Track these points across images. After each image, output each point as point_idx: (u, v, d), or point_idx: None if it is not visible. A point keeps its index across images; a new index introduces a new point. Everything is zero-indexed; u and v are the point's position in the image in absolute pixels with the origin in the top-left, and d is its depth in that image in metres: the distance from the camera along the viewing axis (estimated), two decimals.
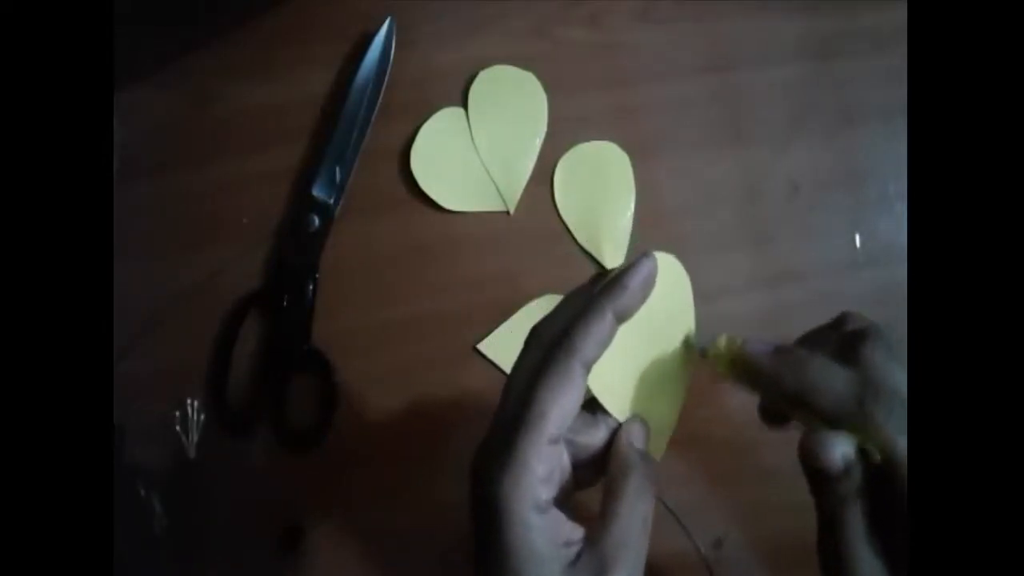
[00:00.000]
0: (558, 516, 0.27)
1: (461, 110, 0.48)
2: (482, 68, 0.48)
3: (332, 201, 0.46)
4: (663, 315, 0.31)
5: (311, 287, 0.45)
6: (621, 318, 0.29)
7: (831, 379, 0.28)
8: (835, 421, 0.27)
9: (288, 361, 0.45)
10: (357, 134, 0.46)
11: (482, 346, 0.46)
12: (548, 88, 0.48)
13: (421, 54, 0.48)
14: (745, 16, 0.49)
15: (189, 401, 0.45)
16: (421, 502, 0.45)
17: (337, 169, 0.46)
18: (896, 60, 0.48)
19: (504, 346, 0.46)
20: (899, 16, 0.48)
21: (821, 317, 0.33)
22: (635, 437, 0.30)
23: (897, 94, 0.48)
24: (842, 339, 0.30)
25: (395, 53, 0.47)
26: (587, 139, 0.48)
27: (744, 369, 0.30)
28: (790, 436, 0.45)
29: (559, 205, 0.47)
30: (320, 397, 0.45)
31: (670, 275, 0.31)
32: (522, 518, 0.26)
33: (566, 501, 0.29)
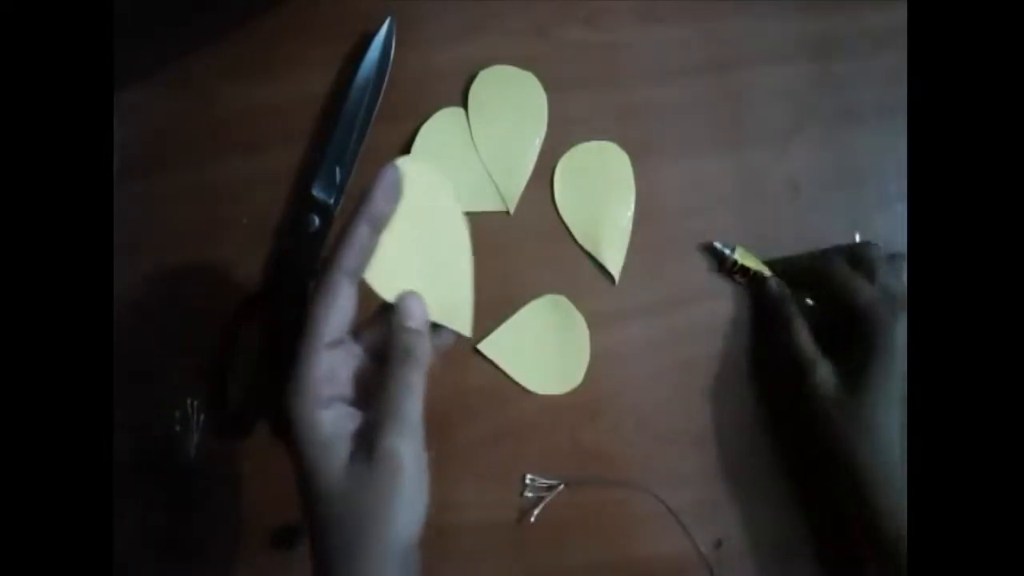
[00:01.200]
0: (344, 410, 0.32)
1: (461, 110, 0.48)
2: (482, 68, 0.48)
3: (332, 201, 0.46)
4: (429, 211, 0.35)
5: (311, 287, 0.45)
6: (376, 224, 0.32)
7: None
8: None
9: (288, 361, 0.45)
10: (357, 134, 0.46)
11: (482, 346, 0.46)
12: (548, 88, 0.48)
13: (421, 54, 0.48)
14: (745, 16, 0.49)
15: (189, 401, 0.45)
16: None
17: (337, 169, 0.46)
18: (896, 60, 0.48)
19: (504, 346, 0.46)
20: (899, 16, 0.48)
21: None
22: (405, 314, 0.33)
23: (897, 94, 0.48)
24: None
25: (395, 53, 0.47)
26: (587, 139, 0.48)
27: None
28: (790, 437, 0.45)
29: (559, 205, 0.47)
30: None
31: (425, 178, 0.35)
32: (308, 416, 0.31)
33: (371, 395, 0.33)
